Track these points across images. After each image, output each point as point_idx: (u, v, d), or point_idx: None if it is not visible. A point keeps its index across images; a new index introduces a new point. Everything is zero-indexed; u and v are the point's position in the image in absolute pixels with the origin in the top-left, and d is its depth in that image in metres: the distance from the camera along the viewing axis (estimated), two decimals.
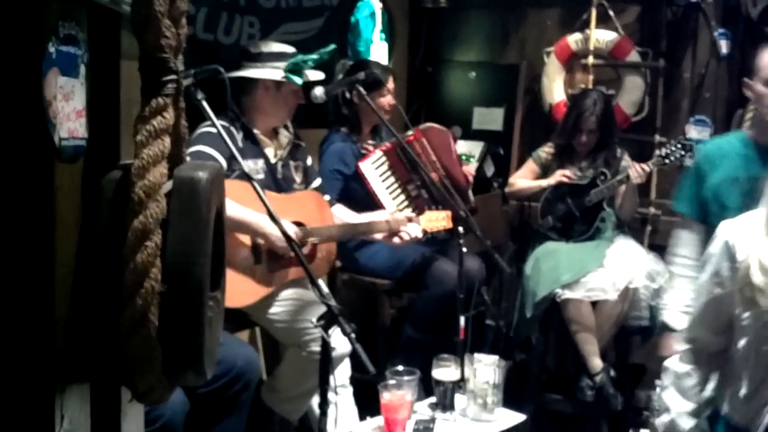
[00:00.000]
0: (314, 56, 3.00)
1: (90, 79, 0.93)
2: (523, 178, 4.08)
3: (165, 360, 0.89)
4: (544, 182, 3.96)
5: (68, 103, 0.86)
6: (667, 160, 3.72)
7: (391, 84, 3.68)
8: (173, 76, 0.93)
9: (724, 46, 3.92)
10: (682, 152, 3.69)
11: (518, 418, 2.87)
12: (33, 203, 0.84)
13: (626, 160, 3.96)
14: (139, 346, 0.86)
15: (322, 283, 3.20)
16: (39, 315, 0.85)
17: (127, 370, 0.87)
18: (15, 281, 0.86)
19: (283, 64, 3.01)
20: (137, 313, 0.86)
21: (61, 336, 0.86)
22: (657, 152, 3.79)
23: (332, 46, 3.08)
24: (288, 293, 3.00)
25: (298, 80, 2.99)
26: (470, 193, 3.86)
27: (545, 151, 4.03)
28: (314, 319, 2.14)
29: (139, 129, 0.90)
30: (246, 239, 2.89)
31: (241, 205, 2.75)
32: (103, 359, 0.90)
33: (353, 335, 2.11)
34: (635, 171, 3.73)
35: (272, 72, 3.01)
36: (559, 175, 3.89)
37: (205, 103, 2.22)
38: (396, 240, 3.21)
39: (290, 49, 3.08)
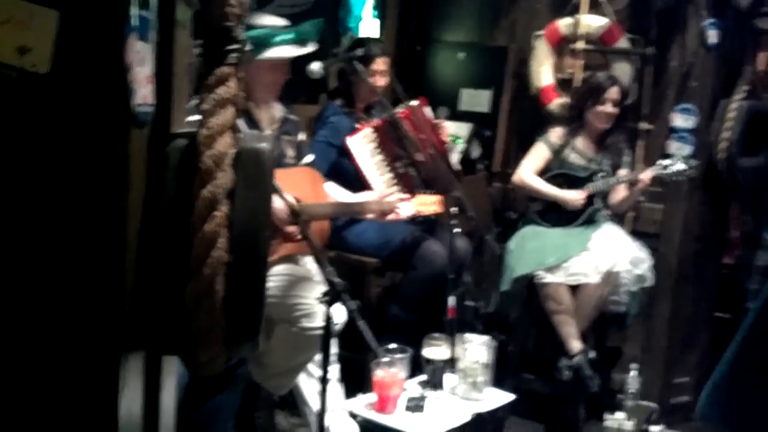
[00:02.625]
0: (290, 35, 2.88)
1: (158, 47, 0.91)
2: (534, 167, 3.97)
3: (227, 331, 0.89)
4: (559, 193, 3.90)
5: (142, 68, 0.85)
6: (665, 171, 3.76)
7: (383, 66, 3.65)
8: (237, 45, 0.92)
9: (712, 36, 3.96)
10: (682, 167, 3.74)
11: (507, 397, 2.92)
12: (109, 168, 0.83)
13: (628, 156, 3.99)
14: (205, 316, 0.85)
15: (311, 260, 3.22)
16: (111, 282, 0.84)
17: (191, 340, 0.87)
18: (88, 249, 0.85)
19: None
20: (204, 282, 0.85)
21: (128, 305, 0.85)
22: (659, 161, 3.81)
23: (307, 25, 2.98)
24: (280, 269, 2.99)
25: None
26: (453, 160, 3.85)
27: (555, 135, 3.98)
28: (319, 295, 2.14)
29: (204, 98, 0.89)
30: None
31: None
32: (165, 329, 0.89)
33: (340, 313, 2.11)
34: (641, 184, 3.77)
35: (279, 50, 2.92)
36: (574, 199, 3.87)
37: None
38: (391, 216, 3.20)
39: (281, 22, 2.96)
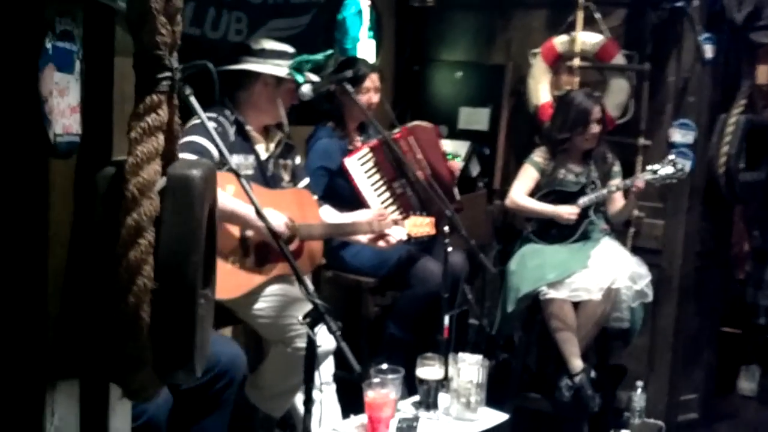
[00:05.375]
0: (318, 57, 3.05)
1: (85, 76, 0.92)
2: (525, 188, 3.99)
3: (156, 357, 0.89)
4: (549, 209, 3.91)
5: (63, 99, 0.86)
6: (655, 176, 3.75)
7: (377, 82, 3.68)
8: (168, 74, 0.93)
9: (708, 51, 3.94)
10: (671, 170, 3.73)
11: (501, 417, 2.89)
12: (28, 199, 0.83)
13: (617, 167, 3.99)
14: (131, 343, 0.86)
15: (306, 280, 3.23)
16: (31, 311, 0.85)
17: (119, 367, 0.87)
18: (8, 277, 0.86)
19: (284, 62, 3.05)
20: (130, 310, 0.85)
21: (52, 332, 0.86)
22: (648, 167, 3.81)
23: (330, 52, 3.21)
24: (274, 289, 3.00)
25: (300, 78, 3.01)
26: (456, 190, 3.87)
27: (540, 156, 4.00)
28: (300, 317, 2.14)
29: (133, 126, 0.90)
30: (235, 231, 2.89)
31: (234, 197, 2.76)
32: (94, 356, 0.89)
33: (339, 333, 2.11)
34: (635, 189, 3.77)
35: (275, 68, 3.03)
36: (568, 214, 3.86)
37: (193, 99, 2.21)
38: (381, 244, 3.23)
39: (291, 49, 3.12)
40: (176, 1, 0.95)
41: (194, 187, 0.91)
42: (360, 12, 4.42)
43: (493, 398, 2.99)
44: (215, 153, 2.78)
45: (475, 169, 4.56)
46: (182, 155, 2.74)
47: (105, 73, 0.97)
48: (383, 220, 3.25)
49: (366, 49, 4.47)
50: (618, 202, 3.93)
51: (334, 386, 3.21)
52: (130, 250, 0.86)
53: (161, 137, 0.93)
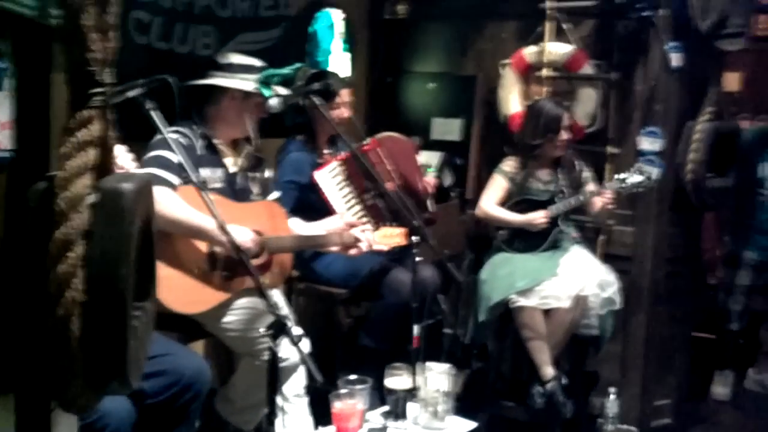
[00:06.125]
0: (285, 71, 3.07)
1: (18, 92, 0.93)
2: (495, 198, 4.02)
3: (89, 369, 0.90)
4: (519, 218, 3.94)
5: None
6: (624, 185, 3.79)
7: (347, 97, 3.70)
8: (100, 89, 0.94)
9: (675, 59, 4.00)
10: (639, 179, 3.78)
11: (469, 425, 2.90)
12: None
13: (586, 172, 4.03)
14: (61, 355, 0.87)
15: (277, 293, 3.24)
16: None
17: (51, 379, 0.88)
18: None
19: (251, 76, 3.08)
20: (58, 322, 0.86)
21: None
22: (616, 176, 3.86)
23: (298, 65, 3.18)
24: (242, 302, 3.00)
25: (267, 92, 3.03)
26: (430, 202, 3.89)
27: (509, 165, 4.04)
28: (262, 329, 2.16)
29: (64, 141, 0.91)
30: (203, 246, 2.90)
31: (201, 212, 2.76)
32: (28, 369, 0.90)
33: (302, 345, 2.13)
34: (603, 201, 3.82)
35: (242, 83, 3.04)
36: (538, 220, 3.89)
37: (154, 113, 2.23)
38: (353, 251, 3.24)
39: (258, 63, 3.14)
40: (109, 17, 0.96)
41: (124, 201, 0.92)
42: (332, 25, 4.44)
43: (469, 407, 3.00)
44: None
45: (447, 180, 4.59)
46: (149, 169, 2.81)
47: (40, 89, 0.98)
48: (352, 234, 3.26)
49: (338, 61, 4.48)
50: (598, 202, 3.98)
51: (306, 399, 3.20)
52: (58, 263, 0.87)
53: (92, 152, 0.94)
